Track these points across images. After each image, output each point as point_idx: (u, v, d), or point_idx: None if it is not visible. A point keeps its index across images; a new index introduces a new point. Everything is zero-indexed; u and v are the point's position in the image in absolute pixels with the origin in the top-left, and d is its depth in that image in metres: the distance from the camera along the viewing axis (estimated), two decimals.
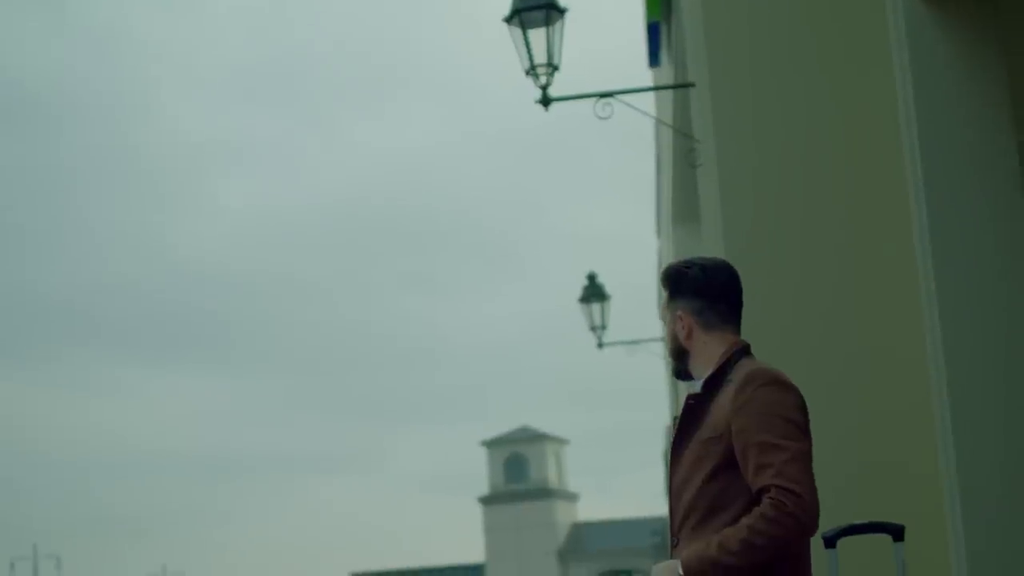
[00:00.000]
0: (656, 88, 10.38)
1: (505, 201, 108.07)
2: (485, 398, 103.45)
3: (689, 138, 7.72)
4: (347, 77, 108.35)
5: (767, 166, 6.21)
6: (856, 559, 4.04)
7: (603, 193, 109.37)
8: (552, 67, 7.97)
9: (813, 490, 3.35)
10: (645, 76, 16.25)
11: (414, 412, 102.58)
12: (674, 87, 9.03)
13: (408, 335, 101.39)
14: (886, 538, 3.30)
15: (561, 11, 8.09)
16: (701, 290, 3.71)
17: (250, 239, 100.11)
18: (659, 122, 10.68)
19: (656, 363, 19.48)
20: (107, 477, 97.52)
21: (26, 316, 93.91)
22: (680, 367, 3.76)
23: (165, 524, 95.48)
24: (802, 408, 3.51)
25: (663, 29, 12.80)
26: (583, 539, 73.21)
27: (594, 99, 7.48)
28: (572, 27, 8.16)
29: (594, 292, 17.73)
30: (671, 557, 3.56)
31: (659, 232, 20.29)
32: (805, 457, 3.40)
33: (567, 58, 8.03)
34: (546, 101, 7.90)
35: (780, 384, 3.50)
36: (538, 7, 8.02)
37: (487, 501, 73.57)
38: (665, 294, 3.79)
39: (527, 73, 7.94)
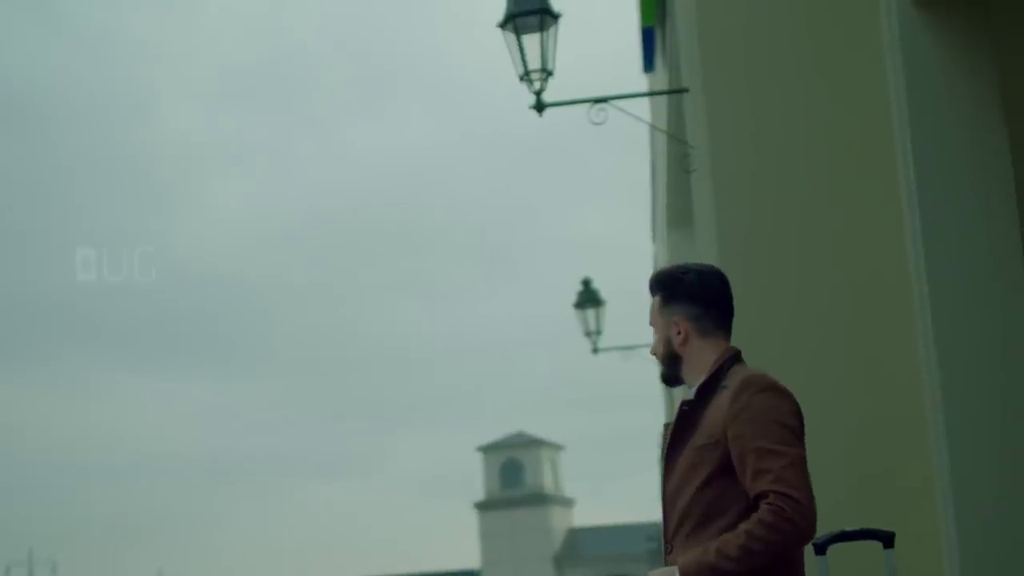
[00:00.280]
0: (650, 94, 10.38)
1: (501, 205, 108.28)
2: (480, 403, 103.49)
3: (683, 143, 7.73)
4: (343, 80, 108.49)
5: (761, 171, 6.21)
6: (847, 566, 4.04)
7: (598, 198, 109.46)
8: (546, 72, 7.97)
9: (811, 495, 3.35)
10: (640, 81, 16.28)
11: (409, 416, 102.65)
12: (668, 92, 9.04)
13: (404, 338, 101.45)
14: (877, 545, 3.30)
15: (555, 16, 8.09)
16: (696, 296, 3.70)
17: (247, 241, 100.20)
18: (653, 127, 10.67)
19: (651, 368, 19.50)
20: (104, 480, 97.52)
21: (23, 318, 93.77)
22: (672, 373, 3.74)
23: (161, 528, 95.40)
24: (798, 414, 3.51)
25: (658, 34, 12.82)
26: (579, 545, 73.19)
27: (588, 104, 7.48)
28: (567, 32, 8.17)
29: (589, 297, 17.72)
30: (665, 564, 3.55)
31: (654, 237, 20.31)
32: (802, 463, 3.41)
33: (562, 63, 8.04)
34: (540, 107, 7.90)
35: (776, 390, 3.50)
36: (532, 12, 8.03)
37: (483, 507, 73.54)
38: (657, 298, 3.77)
39: (521, 79, 7.95)
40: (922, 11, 4.97)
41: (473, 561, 73.56)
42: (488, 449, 74.21)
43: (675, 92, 8.49)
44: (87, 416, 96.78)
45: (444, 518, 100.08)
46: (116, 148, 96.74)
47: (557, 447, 75.70)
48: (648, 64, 14.77)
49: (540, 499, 72.60)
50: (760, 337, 5.80)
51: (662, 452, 3.73)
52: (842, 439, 5.72)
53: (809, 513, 3.32)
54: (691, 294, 3.70)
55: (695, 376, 3.66)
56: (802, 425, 3.51)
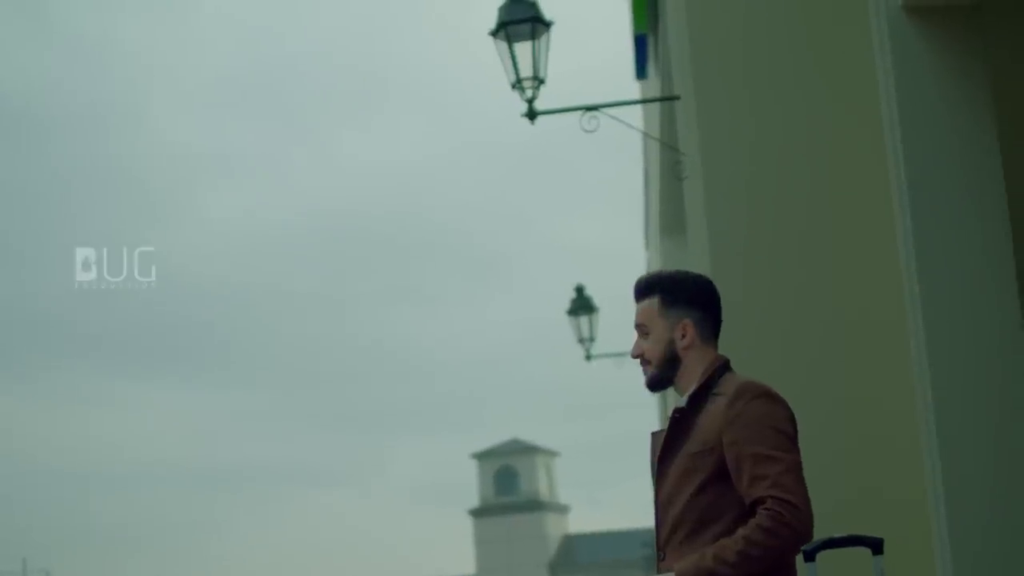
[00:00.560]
0: (641, 101, 10.39)
1: (493, 213, 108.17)
2: (475, 410, 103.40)
3: (675, 150, 7.74)
4: (336, 89, 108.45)
5: (752, 177, 6.22)
6: (836, 574, 4.04)
7: (591, 205, 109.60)
8: (538, 80, 7.99)
9: (808, 501, 3.37)
10: (633, 88, 16.28)
11: (404, 424, 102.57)
12: (659, 100, 9.05)
13: (397, 347, 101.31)
14: (867, 554, 3.31)
15: (547, 24, 8.11)
16: (698, 300, 3.69)
17: (242, 250, 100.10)
18: (645, 135, 10.68)
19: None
20: (99, 489, 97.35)
21: (20, 327, 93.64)
22: (667, 376, 3.69)
23: (160, 536, 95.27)
24: (792, 420, 3.52)
25: (650, 41, 12.82)
26: (574, 551, 73.15)
27: (580, 112, 7.49)
28: (559, 40, 8.18)
29: (582, 305, 17.72)
30: (658, 571, 3.55)
31: (647, 244, 20.31)
32: (799, 468, 3.42)
33: (556, 71, 8.06)
34: (532, 115, 7.92)
35: (771, 397, 3.51)
36: (524, 20, 8.05)
37: (478, 514, 73.50)
38: (656, 299, 3.70)
39: (513, 87, 7.97)
40: (911, 14, 4.99)
41: (468, 568, 73.50)
42: (483, 456, 74.17)
43: (666, 100, 8.51)
44: (85, 425, 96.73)
45: (440, 525, 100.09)
46: (111, 157, 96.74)
47: (552, 454, 75.69)
48: (641, 71, 14.77)
49: (535, 506, 72.58)
50: (752, 343, 5.80)
51: (652, 460, 3.73)
52: (837, 445, 5.71)
53: (807, 518, 3.34)
54: (694, 298, 3.69)
55: (687, 382, 3.65)
56: (796, 432, 3.52)
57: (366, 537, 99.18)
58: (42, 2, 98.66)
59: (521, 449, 73.90)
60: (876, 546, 3.31)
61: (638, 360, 3.76)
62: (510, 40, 8.03)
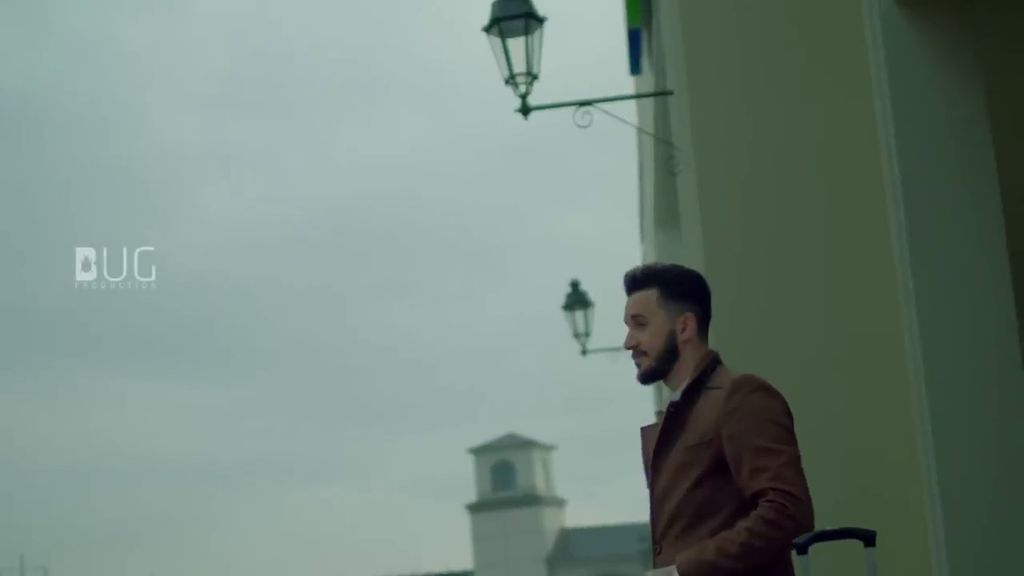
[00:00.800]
0: (634, 96, 10.40)
1: (489, 207, 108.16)
2: (471, 405, 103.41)
3: (669, 145, 7.74)
4: (332, 84, 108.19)
5: (746, 172, 6.22)
6: (828, 566, 4.04)
7: (586, 199, 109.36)
8: (531, 76, 7.98)
9: (808, 493, 3.37)
10: (627, 83, 16.29)
11: (401, 419, 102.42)
12: (652, 95, 9.06)
13: (394, 341, 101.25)
14: (858, 546, 3.31)
15: (540, 20, 8.10)
16: (695, 294, 3.69)
17: (240, 246, 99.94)
18: (639, 130, 10.69)
19: None
20: (97, 486, 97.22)
21: (19, 325, 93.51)
22: (664, 368, 3.66)
23: (154, 533, 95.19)
24: (789, 414, 3.53)
25: (644, 36, 12.83)
26: (571, 545, 73.18)
27: (574, 107, 7.50)
28: (552, 35, 8.18)
29: (577, 299, 17.71)
30: (654, 566, 3.55)
31: (642, 238, 20.32)
32: (798, 461, 3.43)
33: (549, 66, 8.05)
34: (525, 110, 7.91)
35: (768, 390, 3.52)
36: (517, 16, 8.04)
37: (475, 508, 73.51)
38: (654, 291, 3.67)
39: (506, 82, 7.96)
40: (904, 7, 4.99)
41: (466, 562, 73.53)
42: (479, 451, 74.17)
43: (659, 95, 8.51)
44: (84, 422, 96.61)
45: (437, 520, 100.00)
46: (110, 157, 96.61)
47: (548, 448, 75.67)
48: (635, 66, 14.77)
49: (532, 500, 72.58)
50: (746, 338, 5.81)
51: (645, 454, 3.73)
52: (834, 443, 5.69)
53: (809, 511, 3.35)
54: (693, 292, 3.69)
55: (681, 376, 3.65)
56: (793, 425, 3.52)
57: (364, 532, 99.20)
58: (39, 2, 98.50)
59: (517, 443, 73.91)
60: (868, 539, 3.31)
61: (630, 352, 3.73)
62: (503, 36, 8.02)
